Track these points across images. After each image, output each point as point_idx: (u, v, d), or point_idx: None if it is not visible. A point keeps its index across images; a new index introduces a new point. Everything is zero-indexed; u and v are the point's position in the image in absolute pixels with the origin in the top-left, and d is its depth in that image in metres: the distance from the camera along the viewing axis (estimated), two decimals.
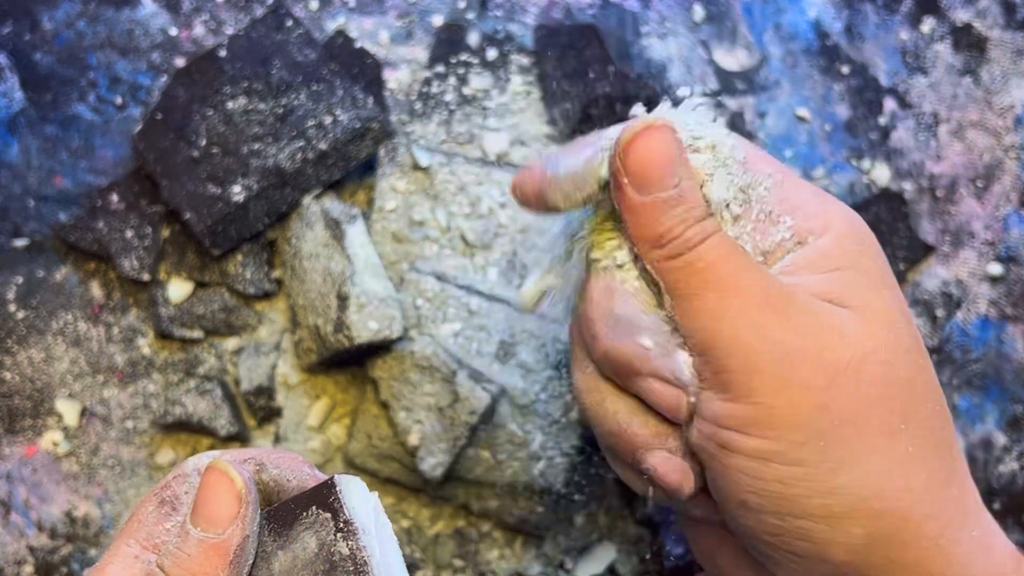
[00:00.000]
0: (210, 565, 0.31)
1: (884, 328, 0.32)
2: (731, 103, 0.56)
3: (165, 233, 0.50)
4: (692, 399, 0.33)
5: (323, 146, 0.48)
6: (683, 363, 0.33)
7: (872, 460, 0.31)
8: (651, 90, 0.50)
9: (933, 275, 0.55)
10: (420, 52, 0.55)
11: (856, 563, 0.32)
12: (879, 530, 0.31)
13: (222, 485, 0.31)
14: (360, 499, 0.31)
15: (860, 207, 0.54)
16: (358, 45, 0.53)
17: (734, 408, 0.32)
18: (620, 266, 0.35)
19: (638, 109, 0.35)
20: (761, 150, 0.36)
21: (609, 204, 0.34)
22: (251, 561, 0.32)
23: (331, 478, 0.31)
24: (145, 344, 0.50)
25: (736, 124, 0.56)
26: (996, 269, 0.55)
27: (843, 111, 0.57)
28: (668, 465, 0.35)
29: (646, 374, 0.34)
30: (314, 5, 0.55)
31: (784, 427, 0.31)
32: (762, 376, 0.31)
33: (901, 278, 0.54)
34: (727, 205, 0.34)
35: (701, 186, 0.34)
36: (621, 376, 0.35)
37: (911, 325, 0.33)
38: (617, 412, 0.36)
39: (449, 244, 0.49)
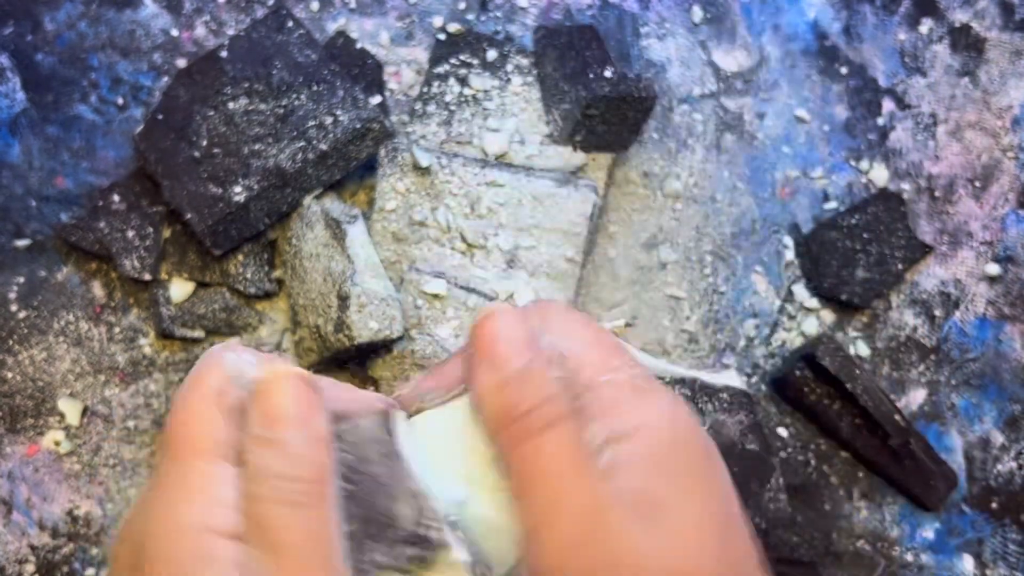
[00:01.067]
0: (317, 461, 0.30)
1: (691, 546, 0.32)
2: (730, 104, 0.56)
3: (166, 233, 0.50)
4: None
5: (324, 146, 0.48)
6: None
7: None
8: (650, 91, 0.50)
9: (931, 275, 0.55)
10: (420, 53, 0.55)
11: None
12: None
13: (288, 383, 0.30)
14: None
15: (858, 207, 0.55)
16: (359, 46, 0.53)
17: None
18: None
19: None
20: (605, 338, 0.35)
21: None
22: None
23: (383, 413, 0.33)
24: (146, 344, 0.51)
25: (735, 125, 0.56)
26: (994, 269, 0.55)
27: (842, 112, 0.57)
28: None
29: None
30: (315, 6, 0.55)
31: None
32: (562, 561, 0.31)
33: (900, 278, 0.54)
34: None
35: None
36: None
37: (724, 533, 0.33)
38: None
39: (449, 244, 0.49)
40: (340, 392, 0.33)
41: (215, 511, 0.29)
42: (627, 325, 0.52)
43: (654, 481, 0.32)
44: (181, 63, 0.53)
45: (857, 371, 0.51)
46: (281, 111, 0.48)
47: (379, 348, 0.48)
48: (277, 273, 0.51)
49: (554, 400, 0.32)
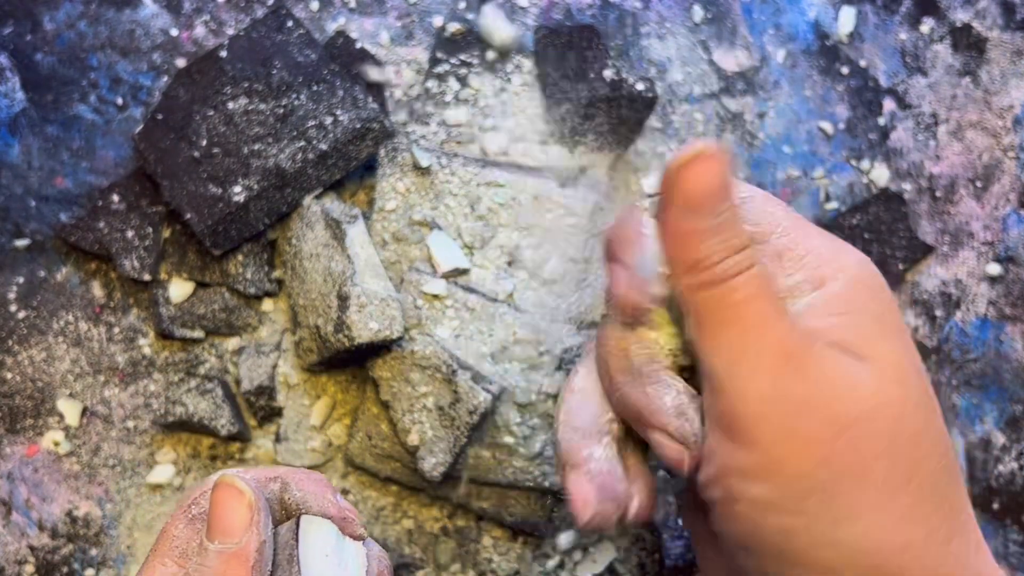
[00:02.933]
0: (233, 574, 0.32)
1: (894, 382, 0.32)
2: (731, 104, 0.56)
3: (166, 233, 0.50)
4: (695, 454, 0.34)
5: (324, 146, 0.48)
6: (691, 419, 0.34)
7: (872, 516, 0.31)
8: (651, 91, 0.50)
9: (932, 275, 0.55)
10: (420, 53, 0.55)
11: None
12: None
13: (232, 498, 0.33)
14: (318, 539, 0.35)
15: (859, 207, 0.55)
16: (359, 46, 0.53)
17: (739, 454, 0.32)
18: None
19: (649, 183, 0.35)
20: (770, 195, 0.36)
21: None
22: (269, 566, 0.33)
23: (298, 518, 0.35)
24: (146, 344, 0.50)
25: (736, 125, 0.56)
26: (995, 269, 0.55)
27: (843, 111, 0.57)
28: (670, 444, 0.35)
29: (654, 426, 0.35)
30: (315, 6, 0.55)
31: (786, 477, 0.31)
32: (769, 424, 0.31)
33: (900, 278, 0.54)
34: None
35: None
36: (631, 421, 0.36)
37: (921, 376, 0.33)
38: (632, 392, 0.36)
39: None
40: (306, 486, 0.36)
41: None
42: None
43: (856, 319, 0.33)
44: (181, 63, 0.53)
45: None
46: (281, 111, 0.48)
47: (379, 348, 0.48)
48: (277, 273, 0.51)
49: (748, 251, 0.32)
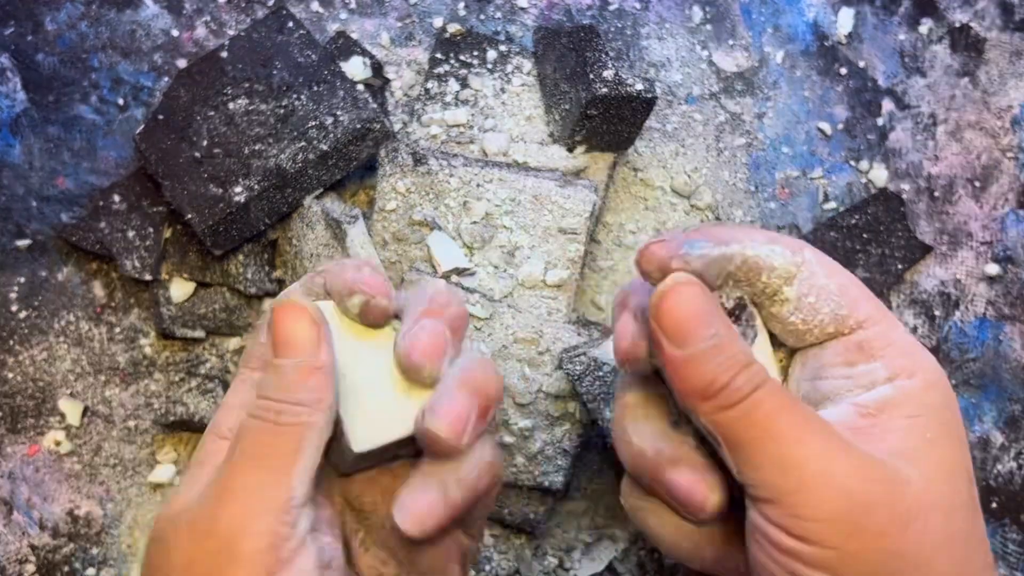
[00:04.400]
0: (314, 386, 0.33)
1: (944, 482, 0.33)
2: (730, 104, 0.56)
3: (167, 233, 0.50)
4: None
5: (324, 147, 0.48)
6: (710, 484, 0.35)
7: None
8: (650, 91, 0.50)
9: (931, 275, 0.55)
10: (420, 53, 0.55)
11: None
12: None
13: (294, 315, 0.34)
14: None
15: (858, 207, 0.55)
16: (359, 46, 0.53)
17: (806, 549, 0.32)
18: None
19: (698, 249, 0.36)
20: (856, 280, 0.37)
21: None
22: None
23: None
24: (147, 344, 0.51)
25: (735, 125, 0.56)
26: (993, 269, 0.56)
27: (841, 112, 0.57)
28: (692, 480, 0.35)
29: (665, 481, 0.35)
30: (315, 6, 0.55)
31: (856, 570, 0.32)
32: (835, 524, 0.32)
33: (899, 278, 0.54)
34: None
35: (779, 292, 0.35)
36: (641, 476, 0.37)
37: (970, 482, 0.35)
38: (643, 439, 0.37)
39: None
40: (342, 274, 0.36)
41: (224, 412, 0.35)
42: None
43: (926, 422, 0.34)
44: (182, 63, 0.53)
45: None
46: (281, 111, 0.49)
47: None
48: (277, 273, 0.51)
49: (756, 366, 0.33)
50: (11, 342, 0.50)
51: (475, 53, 0.53)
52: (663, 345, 0.33)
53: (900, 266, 0.54)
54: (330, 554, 0.34)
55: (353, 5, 0.55)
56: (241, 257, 0.50)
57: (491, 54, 0.53)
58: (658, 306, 0.33)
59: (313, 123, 0.48)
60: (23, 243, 0.51)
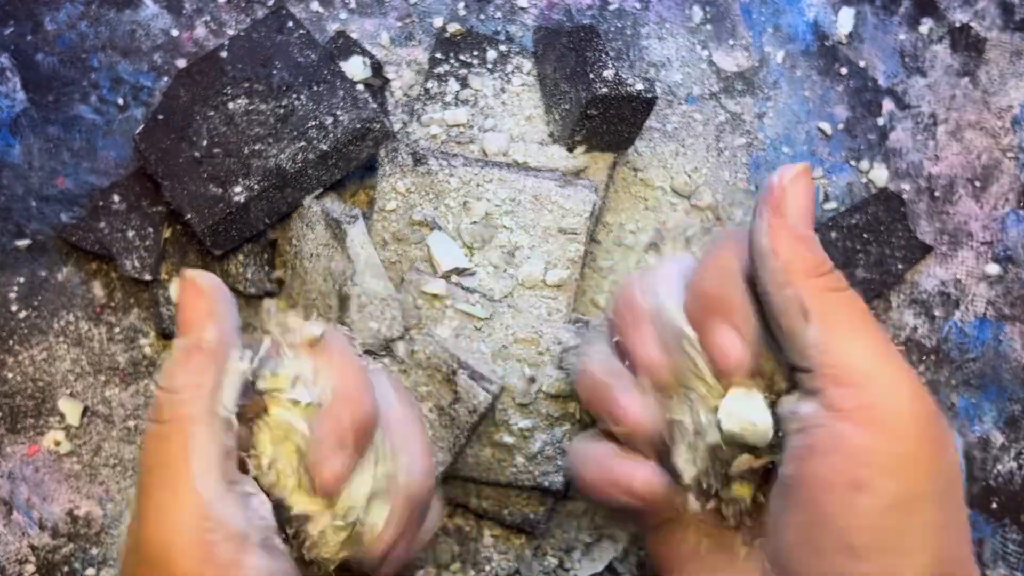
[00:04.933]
0: (194, 369, 0.32)
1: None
2: (730, 104, 0.56)
3: (166, 233, 0.50)
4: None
5: (324, 147, 0.48)
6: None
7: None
8: (650, 91, 0.50)
9: (931, 275, 0.55)
10: (420, 53, 0.55)
11: None
12: None
13: (191, 293, 0.34)
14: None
15: (858, 207, 0.55)
16: (359, 46, 0.53)
17: (882, 444, 0.32)
18: None
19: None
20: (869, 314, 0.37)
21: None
22: (233, 356, 0.34)
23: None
24: (147, 344, 0.51)
25: (735, 125, 0.56)
26: (994, 269, 0.56)
27: (842, 112, 0.57)
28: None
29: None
30: (315, 6, 0.55)
31: (929, 476, 0.32)
32: (916, 421, 0.32)
33: (899, 278, 0.54)
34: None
35: None
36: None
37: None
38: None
39: None
40: None
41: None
42: None
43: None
44: (181, 63, 0.53)
45: None
46: (281, 111, 0.49)
47: (379, 348, 0.48)
48: (277, 273, 0.51)
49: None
50: (11, 342, 0.50)
51: (475, 53, 0.53)
52: (786, 218, 0.35)
53: (900, 266, 0.54)
54: (262, 513, 0.33)
55: (353, 5, 0.55)
56: (241, 257, 0.50)
57: (491, 54, 0.53)
58: (792, 185, 0.35)
59: (313, 123, 0.48)
60: (23, 243, 0.51)
